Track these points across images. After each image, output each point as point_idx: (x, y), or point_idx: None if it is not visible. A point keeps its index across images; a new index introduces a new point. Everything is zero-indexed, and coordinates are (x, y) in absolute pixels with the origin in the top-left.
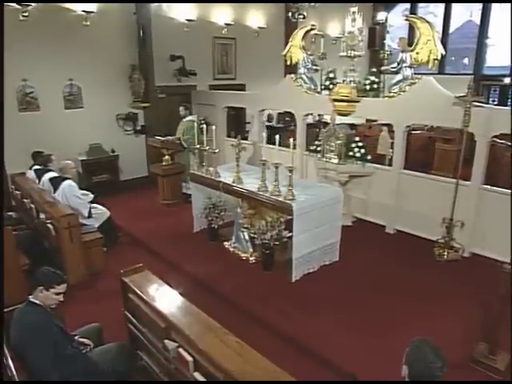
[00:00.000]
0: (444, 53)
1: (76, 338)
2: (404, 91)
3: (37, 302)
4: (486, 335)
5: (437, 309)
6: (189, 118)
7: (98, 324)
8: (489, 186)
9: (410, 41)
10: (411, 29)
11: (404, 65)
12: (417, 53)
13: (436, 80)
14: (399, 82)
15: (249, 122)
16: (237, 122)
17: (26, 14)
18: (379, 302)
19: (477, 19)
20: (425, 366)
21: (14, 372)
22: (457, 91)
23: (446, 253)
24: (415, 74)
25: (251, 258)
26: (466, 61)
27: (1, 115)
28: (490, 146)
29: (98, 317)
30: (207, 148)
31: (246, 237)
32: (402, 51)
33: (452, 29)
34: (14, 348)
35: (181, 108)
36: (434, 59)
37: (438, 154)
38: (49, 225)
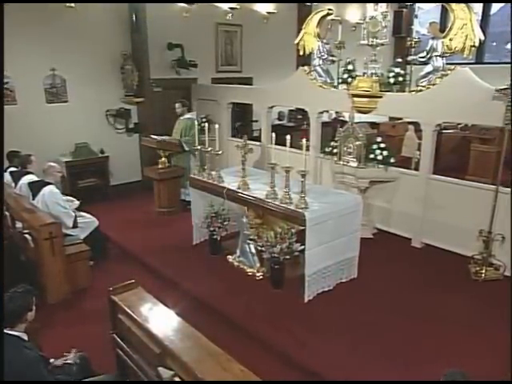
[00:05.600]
0: (483, 38)
1: (52, 362)
2: (434, 84)
3: (14, 333)
4: None
5: (472, 336)
6: (187, 115)
7: (83, 353)
8: None
9: (443, 26)
10: (444, 11)
11: (435, 54)
12: (450, 39)
13: (473, 70)
14: (429, 73)
15: (256, 120)
16: (243, 120)
17: None
18: (404, 327)
19: None
20: None
21: None
22: (497, 83)
23: (483, 271)
24: (448, 64)
25: (258, 274)
26: (509, 46)
27: (1, 114)
28: None
29: (82, 341)
30: (209, 149)
31: (253, 250)
32: (433, 38)
33: (494, 9)
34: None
35: (177, 105)
36: (471, 46)
37: (474, 156)
38: (26, 235)
